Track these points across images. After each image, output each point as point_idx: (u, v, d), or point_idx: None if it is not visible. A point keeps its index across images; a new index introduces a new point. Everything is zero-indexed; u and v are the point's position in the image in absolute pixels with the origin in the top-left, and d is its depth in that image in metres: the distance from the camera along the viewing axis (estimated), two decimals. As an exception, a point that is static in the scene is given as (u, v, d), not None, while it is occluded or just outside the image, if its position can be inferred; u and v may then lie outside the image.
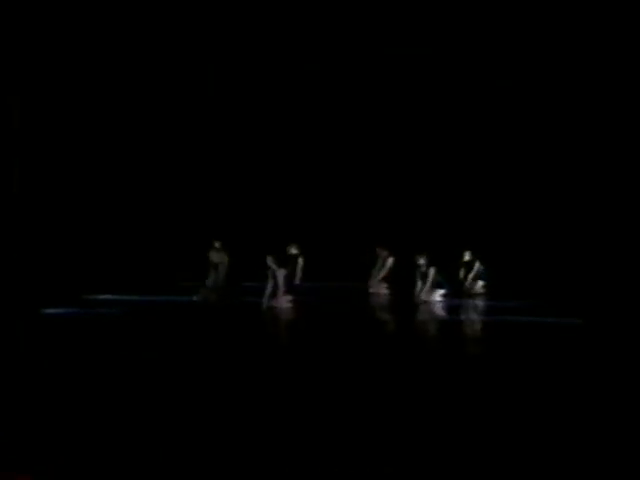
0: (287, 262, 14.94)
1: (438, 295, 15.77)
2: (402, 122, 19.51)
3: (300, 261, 15.84)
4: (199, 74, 20.02)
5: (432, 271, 15.48)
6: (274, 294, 14.16)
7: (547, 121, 18.71)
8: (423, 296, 15.62)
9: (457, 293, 16.07)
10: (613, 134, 18.15)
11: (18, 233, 18.28)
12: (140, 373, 8.50)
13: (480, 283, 16.45)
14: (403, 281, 16.53)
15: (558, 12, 18.37)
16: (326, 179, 19.68)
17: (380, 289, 17.04)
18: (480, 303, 15.83)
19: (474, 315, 14.80)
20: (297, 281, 15.59)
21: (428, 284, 15.47)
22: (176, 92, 19.88)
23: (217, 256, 15.89)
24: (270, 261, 14.19)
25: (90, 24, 19.05)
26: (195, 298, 15.29)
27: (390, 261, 16.87)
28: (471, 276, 16.56)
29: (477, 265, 16.52)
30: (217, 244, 15.98)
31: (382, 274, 16.96)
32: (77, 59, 19.16)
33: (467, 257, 16.67)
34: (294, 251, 15.87)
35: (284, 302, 14.29)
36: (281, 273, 14.11)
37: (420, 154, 19.36)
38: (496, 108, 18.91)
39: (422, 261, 15.54)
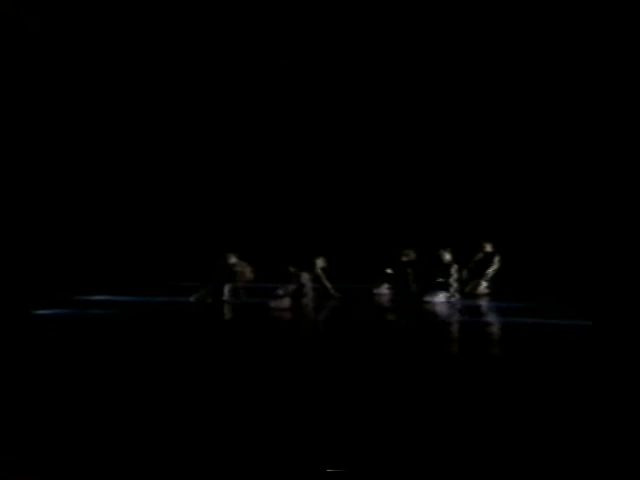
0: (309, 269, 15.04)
1: (442, 296, 15.59)
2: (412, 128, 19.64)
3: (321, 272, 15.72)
4: (202, 77, 20.08)
5: (455, 268, 15.33)
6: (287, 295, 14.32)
7: (558, 124, 18.78)
8: (427, 296, 15.50)
9: (461, 294, 15.86)
10: (628, 137, 18.24)
11: (10, 233, 18.16)
12: (138, 374, 8.38)
13: (484, 284, 16.19)
14: (403, 282, 16.47)
15: (557, 12, 18.54)
16: (331, 177, 19.75)
17: (382, 290, 16.90)
18: (485, 304, 15.64)
19: (479, 316, 14.49)
20: (334, 292, 15.62)
21: (453, 280, 15.30)
22: (175, 95, 19.93)
23: (240, 264, 15.56)
24: (293, 269, 14.50)
25: (89, 24, 19.25)
26: (192, 299, 15.08)
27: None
28: (491, 270, 16.19)
29: (497, 260, 16.13)
30: (234, 258, 15.59)
31: (411, 277, 16.58)
32: (77, 59, 19.36)
33: (488, 249, 16.25)
34: (321, 263, 15.73)
35: (285, 303, 14.25)
36: (305, 277, 14.29)
37: (428, 158, 19.44)
38: (505, 113, 19.00)
39: (447, 256, 15.33)
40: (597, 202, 18.08)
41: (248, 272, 15.35)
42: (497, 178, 18.73)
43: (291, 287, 14.82)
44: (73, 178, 19.37)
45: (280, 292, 14.79)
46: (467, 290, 16.22)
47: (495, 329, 12.94)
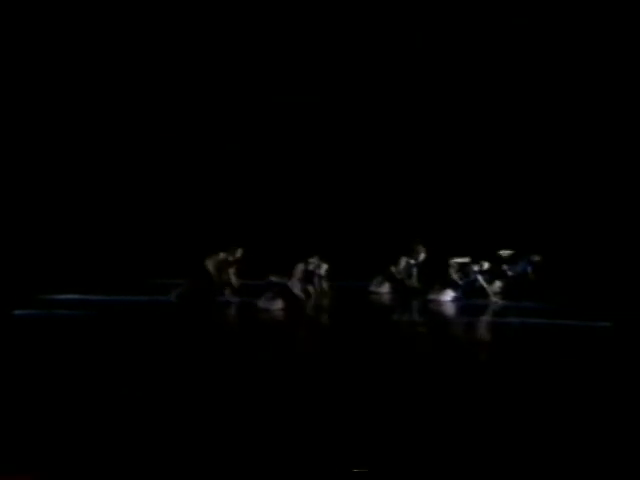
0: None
1: (449, 295, 15.13)
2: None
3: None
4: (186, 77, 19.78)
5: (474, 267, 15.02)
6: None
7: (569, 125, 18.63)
8: (432, 295, 15.22)
9: (471, 293, 15.33)
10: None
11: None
12: (124, 376, 8.30)
13: (498, 283, 15.54)
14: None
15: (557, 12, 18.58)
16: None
17: (382, 289, 16.39)
18: (495, 303, 15.10)
19: (488, 316, 14.15)
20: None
21: (487, 287, 15.02)
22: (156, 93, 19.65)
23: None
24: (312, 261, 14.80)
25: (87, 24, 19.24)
26: (172, 297, 14.43)
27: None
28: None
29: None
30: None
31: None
32: (76, 58, 19.27)
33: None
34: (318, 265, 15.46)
35: (279, 304, 13.81)
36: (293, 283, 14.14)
37: (437, 154, 19.19)
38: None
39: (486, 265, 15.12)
40: (618, 204, 18.04)
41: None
42: (507, 179, 18.62)
43: (282, 285, 14.16)
44: (43, 171, 18.94)
45: (270, 293, 13.99)
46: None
47: (502, 330, 12.71)
